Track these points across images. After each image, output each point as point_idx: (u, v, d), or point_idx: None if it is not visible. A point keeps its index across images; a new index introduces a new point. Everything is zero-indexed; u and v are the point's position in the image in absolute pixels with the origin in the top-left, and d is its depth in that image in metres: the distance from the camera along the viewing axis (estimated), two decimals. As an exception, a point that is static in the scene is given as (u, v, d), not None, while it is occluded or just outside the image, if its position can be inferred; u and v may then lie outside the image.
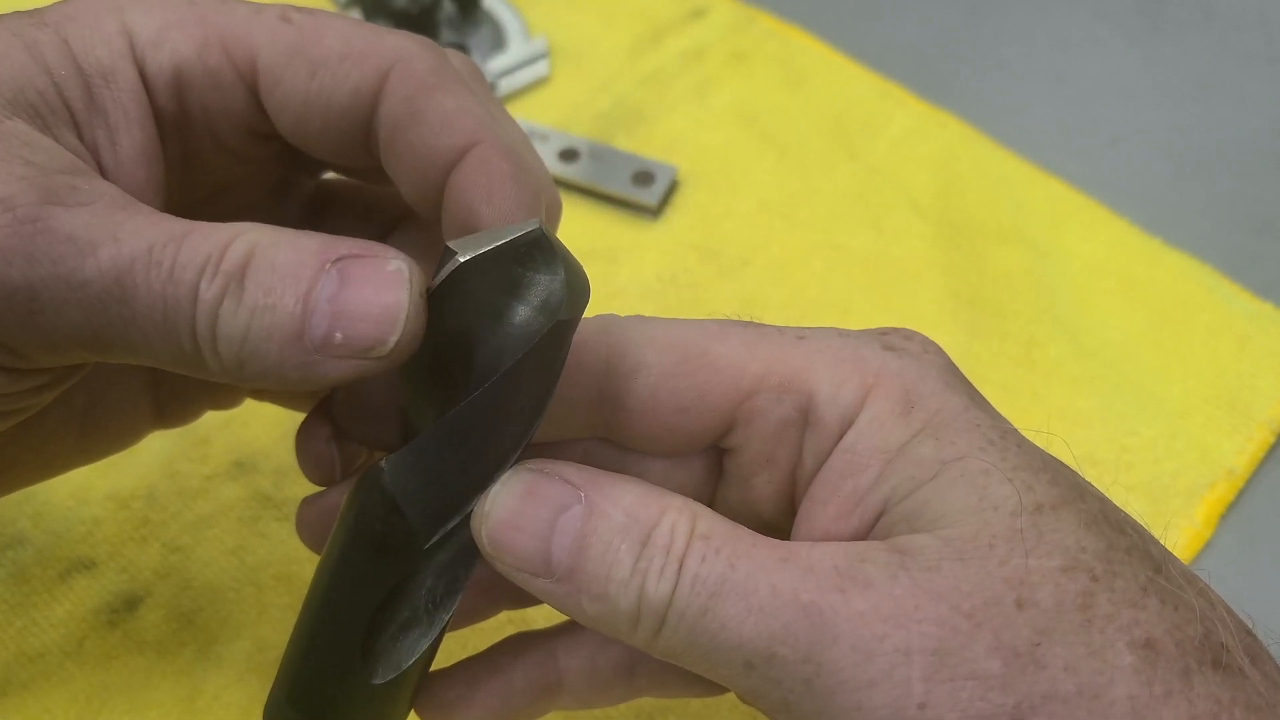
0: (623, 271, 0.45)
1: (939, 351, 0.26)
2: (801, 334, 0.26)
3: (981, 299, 0.44)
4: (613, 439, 0.27)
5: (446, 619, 0.25)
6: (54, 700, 0.34)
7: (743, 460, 0.26)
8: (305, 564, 0.37)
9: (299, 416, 0.40)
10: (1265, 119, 0.52)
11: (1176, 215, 0.48)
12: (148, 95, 0.26)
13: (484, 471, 0.24)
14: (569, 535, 0.23)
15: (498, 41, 0.53)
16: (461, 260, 0.23)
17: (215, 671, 0.35)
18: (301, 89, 0.25)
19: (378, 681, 0.25)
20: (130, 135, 0.25)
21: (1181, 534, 0.39)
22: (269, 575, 0.37)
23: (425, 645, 0.25)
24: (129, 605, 0.36)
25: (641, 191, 0.47)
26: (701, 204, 0.47)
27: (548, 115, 0.50)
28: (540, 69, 0.52)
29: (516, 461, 0.24)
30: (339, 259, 0.23)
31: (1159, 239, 0.46)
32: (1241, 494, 0.40)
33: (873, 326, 0.27)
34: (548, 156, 0.48)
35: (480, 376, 0.23)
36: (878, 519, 0.24)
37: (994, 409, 0.25)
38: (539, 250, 0.23)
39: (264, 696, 0.34)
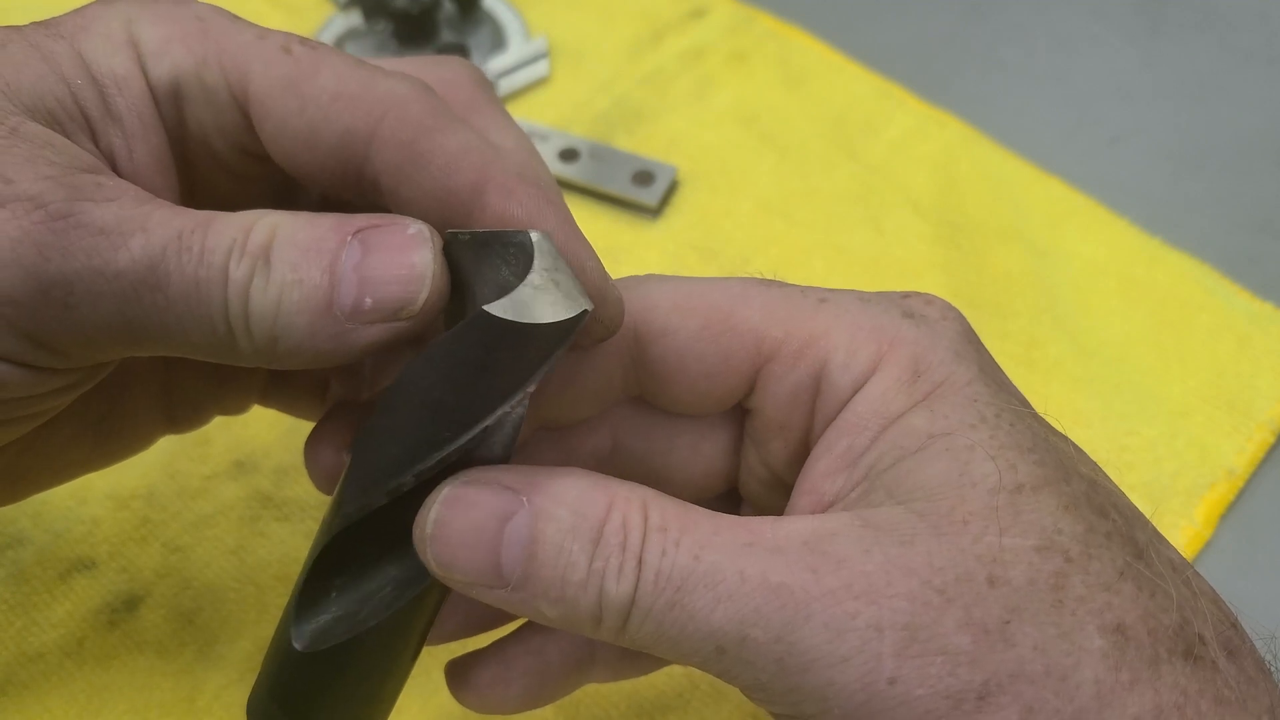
0: (624, 270, 0.45)
1: (958, 318, 0.26)
2: (823, 296, 0.26)
3: (982, 299, 0.44)
4: (642, 400, 0.28)
5: (396, 607, 0.24)
6: (54, 700, 0.34)
7: (760, 423, 0.27)
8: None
9: (298, 419, 0.40)
10: (1265, 119, 0.52)
11: (1176, 215, 0.48)
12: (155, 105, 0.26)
13: (421, 443, 0.23)
14: (517, 544, 0.22)
15: (498, 41, 0.53)
16: (448, 235, 0.24)
17: (215, 671, 0.35)
18: (291, 123, 0.26)
19: (299, 647, 0.25)
20: (145, 142, 0.26)
21: (1181, 534, 0.39)
22: (269, 575, 0.37)
23: (366, 624, 0.24)
24: (129, 605, 0.36)
25: (641, 191, 0.47)
26: (701, 204, 0.47)
27: (548, 115, 0.50)
28: (540, 69, 0.52)
29: (459, 444, 0.23)
30: (359, 230, 0.23)
31: (1159, 239, 0.46)
32: (1241, 494, 0.40)
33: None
34: (548, 156, 0.48)
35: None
36: (861, 482, 0.24)
37: (1004, 380, 0.26)
38: (521, 251, 0.23)
39: (264, 696, 0.34)
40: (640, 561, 0.22)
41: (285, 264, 0.23)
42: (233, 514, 0.38)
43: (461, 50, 0.49)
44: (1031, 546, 0.22)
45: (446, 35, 0.52)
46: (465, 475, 0.23)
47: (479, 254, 0.24)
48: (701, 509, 0.23)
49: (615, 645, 0.24)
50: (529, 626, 0.28)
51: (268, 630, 0.36)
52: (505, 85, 0.51)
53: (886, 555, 0.22)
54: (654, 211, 0.47)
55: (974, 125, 0.50)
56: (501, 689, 0.28)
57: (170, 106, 0.26)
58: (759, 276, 0.27)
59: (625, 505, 0.23)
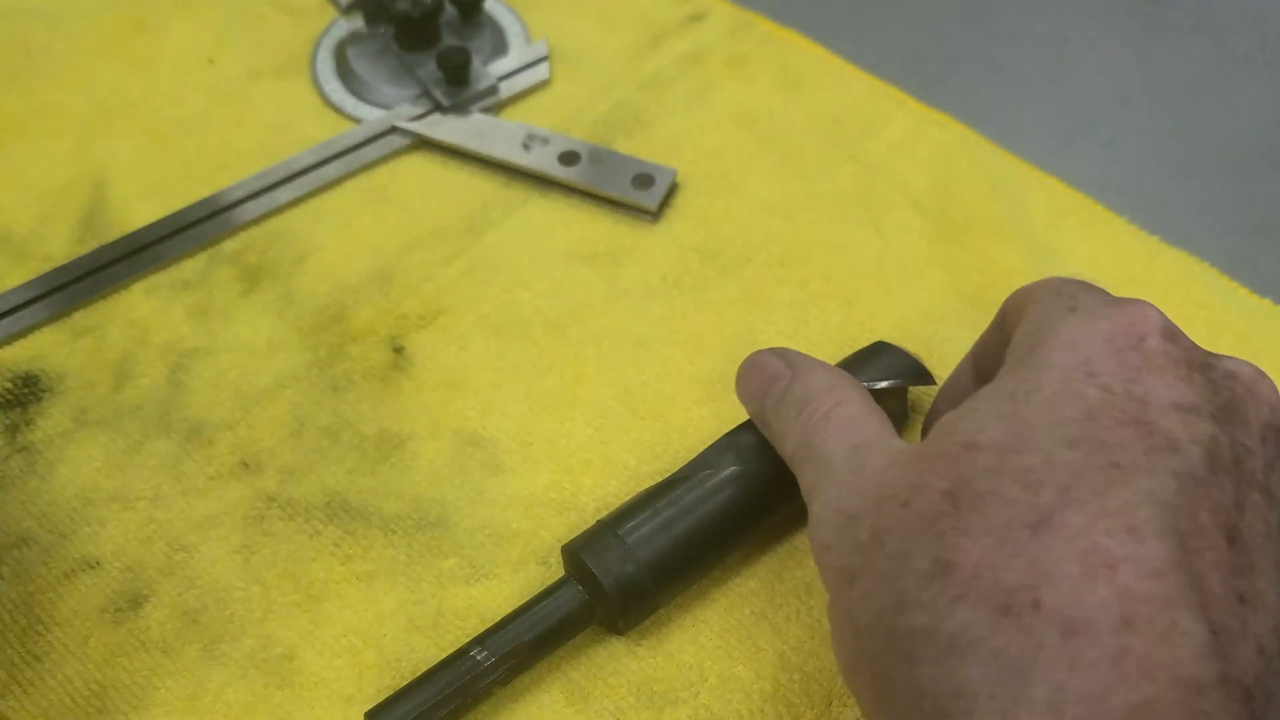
0: (627, 273, 0.45)
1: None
2: (1073, 305, 0.30)
3: (983, 297, 0.44)
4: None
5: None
6: (58, 698, 0.34)
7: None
8: (311, 563, 0.37)
9: (302, 413, 0.40)
10: (1260, 120, 0.52)
11: (1173, 215, 0.48)
12: None
13: None
14: (774, 399, 0.33)
15: (499, 45, 0.53)
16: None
17: (220, 669, 0.35)
18: None
19: None
20: None
21: (1182, 529, 0.39)
22: (274, 574, 0.37)
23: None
24: (133, 604, 0.36)
25: (641, 194, 0.47)
26: (701, 206, 0.48)
27: (548, 118, 0.51)
28: (541, 72, 0.52)
29: None
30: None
31: (1156, 237, 0.47)
32: (1241, 490, 0.40)
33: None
34: (548, 159, 0.48)
35: None
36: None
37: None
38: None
39: (268, 694, 0.34)
40: (807, 429, 0.31)
41: None
42: (238, 513, 0.38)
43: (463, 53, 0.50)
44: (942, 489, 0.26)
45: (448, 39, 0.52)
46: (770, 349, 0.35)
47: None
48: (875, 421, 0.30)
49: None
50: None
51: (273, 628, 0.36)
52: (506, 89, 0.52)
53: (881, 472, 0.28)
54: (654, 214, 0.47)
55: (972, 126, 0.51)
56: None
57: None
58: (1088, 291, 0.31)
59: (826, 395, 0.32)
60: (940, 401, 0.37)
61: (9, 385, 0.41)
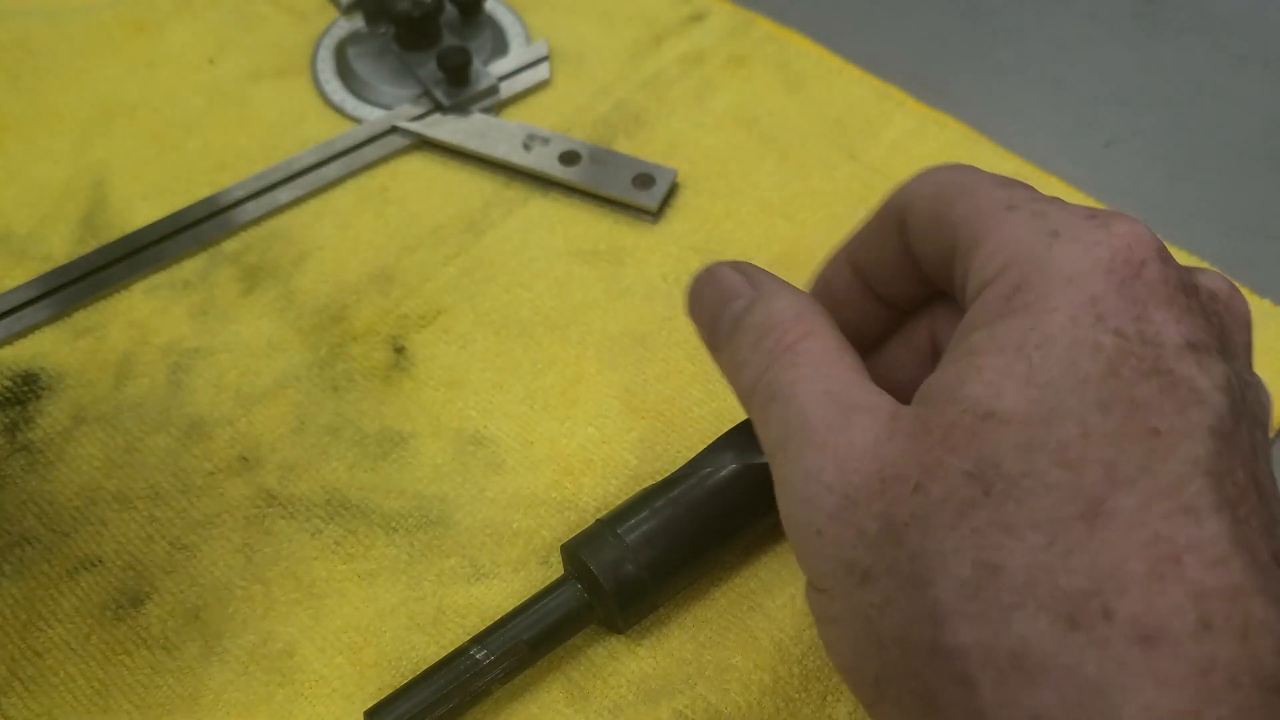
0: (628, 272, 0.45)
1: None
2: (1013, 204, 0.26)
3: (981, 296, 0.44)
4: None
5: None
6: (59, 695, 0.34)
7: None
8: (313, 561, 0.37)
9: (303, 412, 0.40)
10: (1259, 121, 0.53)
11: (1173, 215, 0.48)
12: None
13: None
14: (730, 318, 0.29)
15: (499, 45, 0.53)
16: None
17: (221, 667, 0.35)
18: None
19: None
20: None
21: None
22: (276, 572, 0.37)
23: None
24: (134, 601, 0.36)
25: (642, 194, 0.47)
26: (702, 206, 0.48)
27: (548, 118, 0.51)
28: (541, 72, 0.52)
29: None
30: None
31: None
32: (1240, 489, 0.41)
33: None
34: (549, 159, 0.48)
35: None
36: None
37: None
38: None
39: (269, 692, 0.34)
40: (768, 364, 0.27)
41: None
42: (239, 512, 0.38)
43: (463, 53, 0.50)
44: (964, 471, 0.23)
45: (448, 39, 0.52)
46: (723, 263, 0.31)
47: None
48: (849, 362, 0.27)
49: None
50: None
51: (274, 626, 0.36)
52: (506, 89, 0.52)
53: (879, 446, 0.24)
54: (654, 214, 0.47)
55: (973, 126, 0.51)
56: None
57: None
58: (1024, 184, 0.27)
59: (791, 326, 0.28)
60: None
61: (9, 384, 0.41)
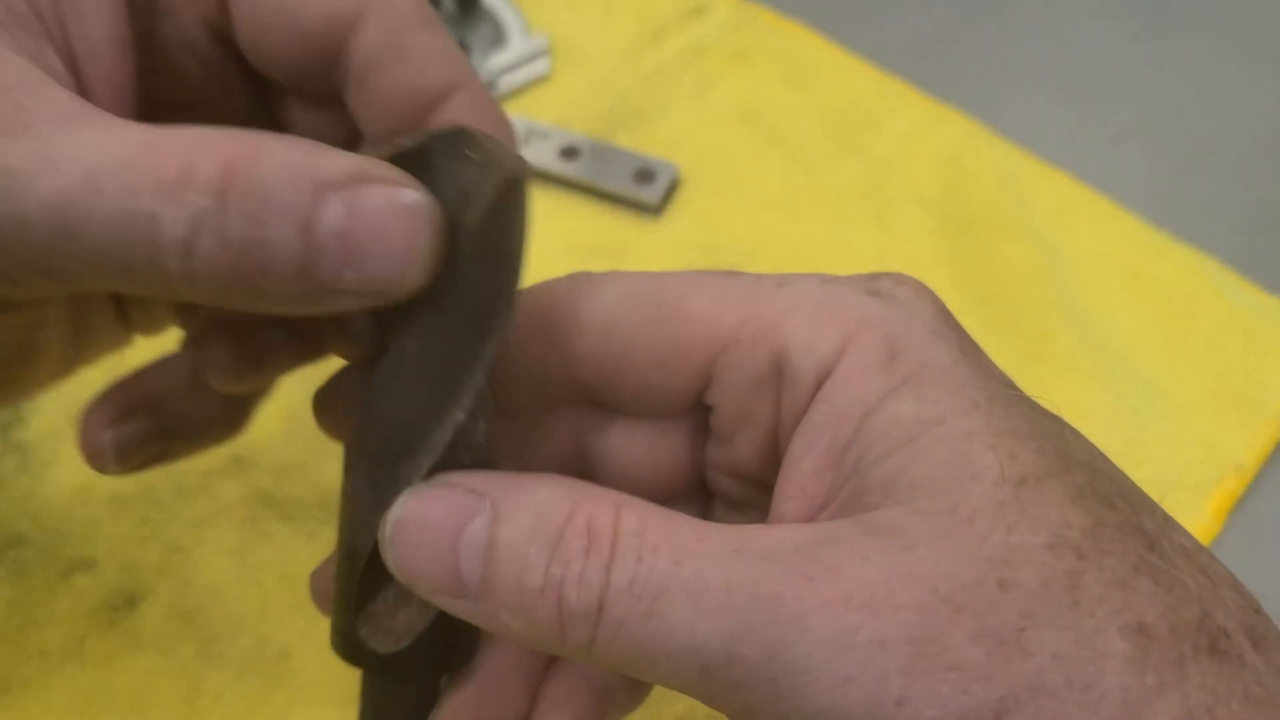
0: (628, 269, 0.45)
1: (932, 298, 0.24)
2: (781, 281, 0.24)
3: (990, 293, 0.44)
4: (599, 401, 0.26)
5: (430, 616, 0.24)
6: (54, 698, 0.34)
7: (722, 417, 0.25)
8: (307, 564, 0.37)
9: (297, 413, 0.40)
10: (1269, 115, 0.52)
11: (1182, 211, 0.48)
12: None
13: (428, 405, 0.22)
14: (475, 548, 0.21)
15: (498, 39, 0.53)
16: (386, 151, 0.22)
17: (216, 670, 0.35)
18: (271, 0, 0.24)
19: (379, 650, 0.24)
20: (97, 21, 0.23)
21: (1191, 529, 0.38)
22: (271, 575, 0.37)
23: (428, 619, 0.23)
24: (129, 603, 0.36)
25: (643, 189, 0.47)
26: (703, 202, 0.47)
27: (548, 113, 0.50)
28: (541, 66, 0.52)
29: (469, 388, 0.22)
30: (345, 184, 0.20)
31: (1165, 233, 0.46)
32: (1250, 489, 0.40)
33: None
34: (549, 154, 0.48)
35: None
36: (851, 476, 0.22)
37: (986, 361, 0.24)
38: (458, 139, 0.22)
39: (265, 695, 0.34)
40: (609, 568, 0.20)
41: (246, 218, 0.19)
42: (234, 515, 0.38)
43: (462, 48, 0.49)
44: (1041, 544, 0.20)
45: (447, 33, 0.52)
46: (433, 479, 0.22)
47: (420, 164, 0.22)
48: (686, 516, 0.21)
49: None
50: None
51: (269, 628, 0.35)
52: (505, 83, 0.51)
53: (888, 562, 0.20)
54: (655, 210, 0.47)
55: (979, 121, 0.50)
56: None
57: None
58: (723, 270, 0.26)
59: (592, 507, 0.21)
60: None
61: (4, 383, 0.41)
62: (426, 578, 0.21)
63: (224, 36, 0.25)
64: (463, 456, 0.22)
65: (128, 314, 0.29)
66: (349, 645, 0.24)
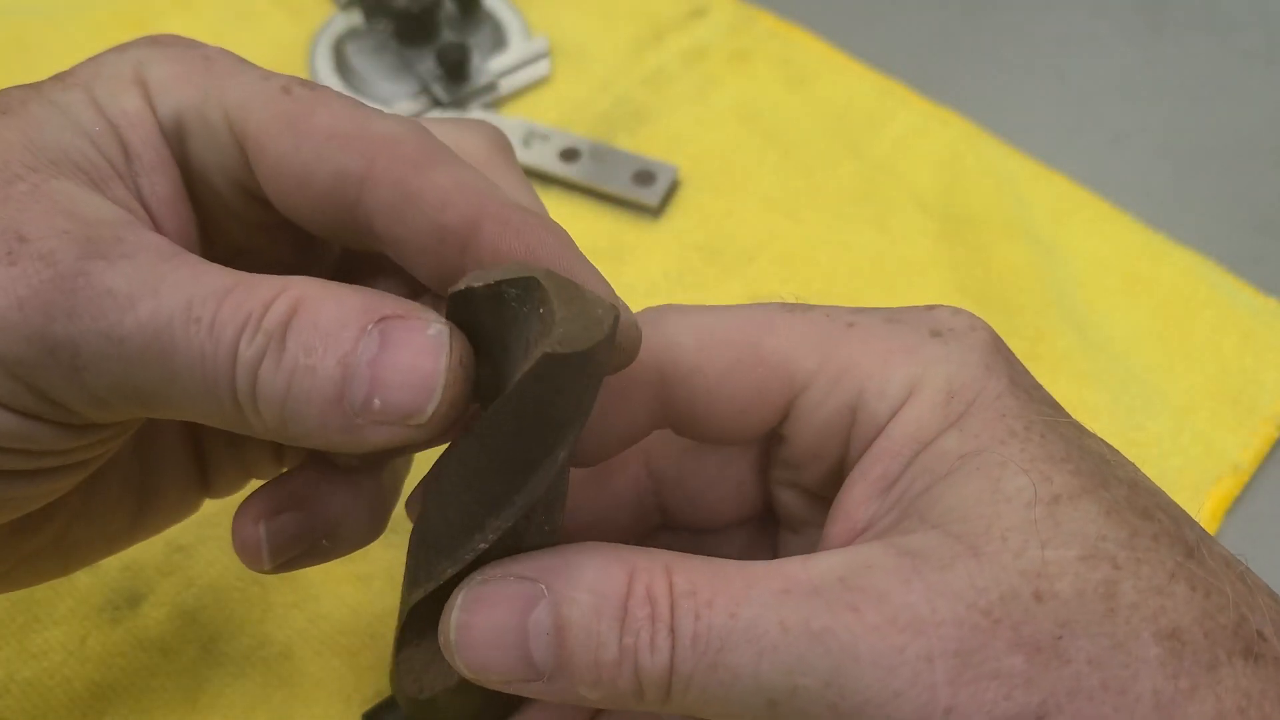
0: (628, 270, 0.45)
1: (985, 328, 0.26)
2: (850, 320, 0.26)
3: (988, 294, 0.44)
4: (677, 431, 0.27)
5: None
6: (56, 697, 0.34)
7: (794, 450, 0.26)
8: (308, 562, 0.37)
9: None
10: (1267, 117, 0.52)
11: (1179, 213, 0.48)
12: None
13: (491, 499, 0.23)
14: (543, 635, 0.22)
15: (498, 41, 0.53)
16: (454, 290, 0.23)
17: (218, 669, 0.35)
18: (287, 162, 0.25)
19: (406, 692, 0.25)
20: (163, 177, 0.25)
21: (1188, 529, 0.39)
22: (273, 575, 0.36)
23: (451, 682, 0.25)
24: (131, 602, 0.36)
25: (642, 191, 0.47)
26: (703, 203, 0.47)
27: (549, 115, 0.50)
28: (541, 68, 0.52)
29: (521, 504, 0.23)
30: (382, 319, 0.22)
31: (1162, 235, 0.47)
32: (1247, 489, 0.40)
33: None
34: (549, 156, 0.48)
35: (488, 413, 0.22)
36: (893, 508, 0.24)
37: (1035, 387, 0.25)
38: (532, 288, 0.22)
39: (267, 694, 0.34)
40: (672, 630, 0.22)
41: (301, 347, 0.22)
42: (235, 515, 0.38)
43: (462, 49, 0.49)
44: (1075, 556, 0.21)
45: (447, 34, 0.52)
46: (480, 574, 0.23)
47: (493, 305, 0.23)
48: (730, 562, 0.23)
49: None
50: None
51: (271, 628, 0.35)
52: (506, 85, 0.51)
53: (927, 582, 0.21)
54: (655, 211, 0.47)
55: (977, 123, 0.50)
56: None
57: (175, 142, 0.26)
58: (781, 301, 0.27)
59: (647, 575, 0.22)
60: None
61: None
62: (498, 671, 0.23)
63: (260, 196, 0.26)
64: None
65: (207, 475, 0.30)
66: (391, 677, 0.26)
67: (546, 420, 0.22)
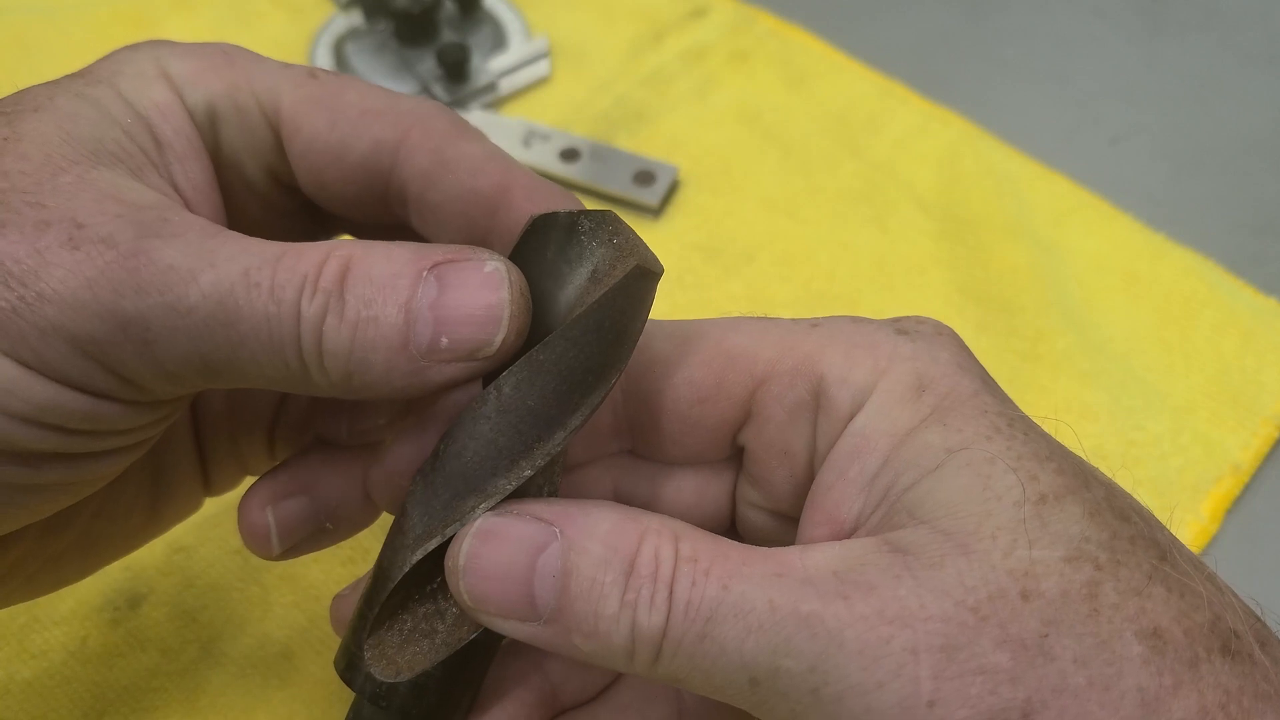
0: (625, 270, 0.45)
1: (952, 335, 0.26)
2: (815, 322, 0.26)
3: (988, 294, 0.44)
4: (640, 451, 0.28)
5: (466, 640, 0.24)
6: (57, 697, 0.34)
7: (760, 454, 0.26)
8: (310, 564, 0.37)
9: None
10: (1265, 118, 0.52)
11: (1178, 213, 0.48)
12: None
13: (510, 451, 0.24)
14: (550, 576, 0.22)
15: (499, 41, 0.53)
16: (536, 216, 0.24)
17: (218, 670, 0.35)
18: (322, 138, 0.26)
19: (378, 677, 0.24)
20: (196, 164, 0.26)
21: (1188, 529, 0.39)
22: (273, 575, 0.37)
23: (434, 661, 0.24)
24: (132, 603, 0.36)
25: (643, 191, 0.47)
26: (703, 203, 0.47)
27: (549, 115, 0.50)
28: (541, 68, 0.52)
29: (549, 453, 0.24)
30: (435, 264, 0.23)
31: (1162, 235, 0.47)
32: (1246, 489, 0.40)
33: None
34: (549, 156, 0.48)
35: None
36: (881, 503, 0.24)
37: (1004, 393, 0.25)
38: (605, 222, 0.24)
39: (266, 694, 0.34)
40: (671, 592, 0.22)
41: (359, 300, 0.23)
42: (236, 514, 0.38)
43: (462, 50, 0.49)
44: (1060, 557, 0.22)
45: (447, 35, 0.52)
46: (500, 509, 0.23)
47: (564, 235, 0.24)
48: (732, 542, 0.23)
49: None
50: None
51: (271, 628, 0.35)
52: (506, 85, 0.51)
53: (917, 578, 0.22)
54: (655, 211, 0.47)
55: (977, 123, 0.50)
56: None
57: (207, 130, 0.26)
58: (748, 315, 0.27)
59: (657, 537, 0.23)
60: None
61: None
62: (499, 604, 0.23)
63: (284, 181, 0.27)
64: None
65: (208, 474, 0.31)
66: (350, 665, 0.25)
67: (619, 333, 0.24)
